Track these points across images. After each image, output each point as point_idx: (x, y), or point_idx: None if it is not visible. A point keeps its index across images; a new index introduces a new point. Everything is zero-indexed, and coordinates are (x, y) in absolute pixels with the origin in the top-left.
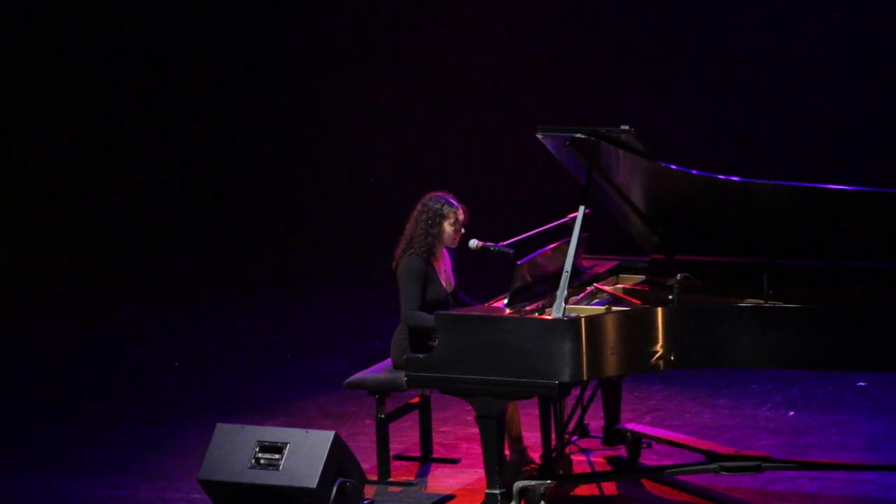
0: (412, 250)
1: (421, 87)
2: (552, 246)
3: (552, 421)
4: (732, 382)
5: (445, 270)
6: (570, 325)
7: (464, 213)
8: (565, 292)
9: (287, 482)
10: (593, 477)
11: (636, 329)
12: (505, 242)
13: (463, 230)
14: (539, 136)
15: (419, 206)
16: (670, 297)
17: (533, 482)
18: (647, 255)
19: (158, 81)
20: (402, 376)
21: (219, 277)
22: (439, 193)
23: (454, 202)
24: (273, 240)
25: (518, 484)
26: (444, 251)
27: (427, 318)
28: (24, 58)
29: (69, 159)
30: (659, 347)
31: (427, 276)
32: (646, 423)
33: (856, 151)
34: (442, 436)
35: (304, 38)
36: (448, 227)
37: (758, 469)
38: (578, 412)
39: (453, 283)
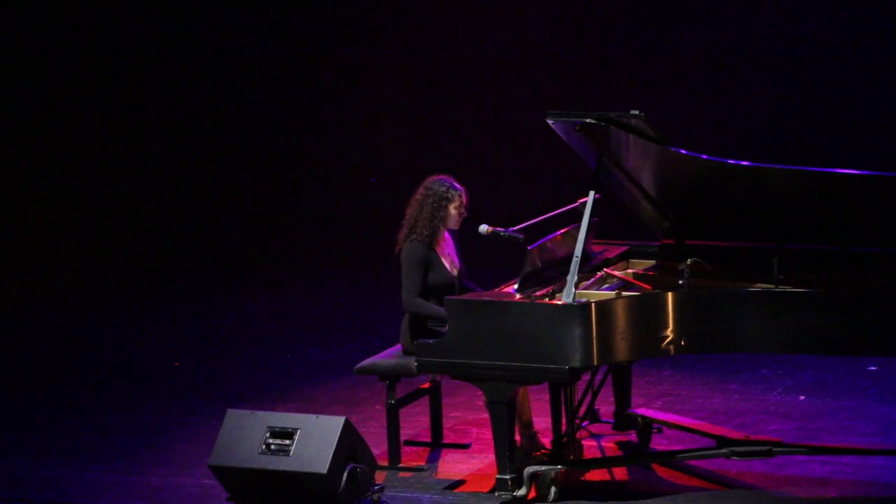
0: (415, 235)
1: (430, 68)
2: (562, 231)
3: (563, 406)
4: (743, 367)
5: (449, 254)
6: (580, 310)
7: (466, 195)
8: (575, 277)
9: (297, 468)
10: (604, 462)
11: (646, 314)
12: (515, 227)
13: (466, 213)
14: (549, 121)
15: (422, 190)
16: (680, 281)
17: (543, 467)
18: (658, 240)
19: (163, 76)
20: (412, 362)
21: (228, 265)
22: (441, 176)
23: (457, 185)
24: (282, 226)
25: (528, 469)
26: (447, 234)
27: (426, 306)
28: (26, 56)
29: (74, 150)
30: (669, 332)
31: (429, 262)
32: (656, 409)
33: (864, 136)
34: (452, 421)
35: (306, 32)
36: (453, 210)
37: (769, 454)
38: (589, 397)
39: (458, 266)
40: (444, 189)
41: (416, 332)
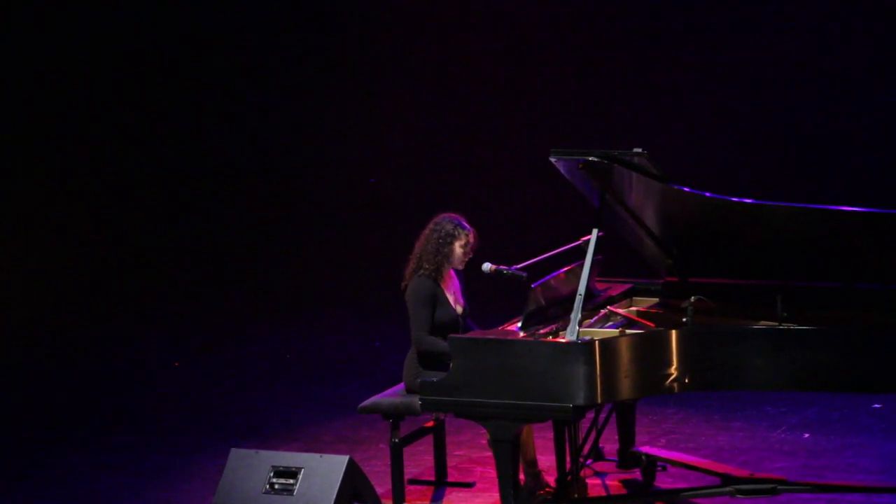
0: (421, 271)
1: (434, 111)
2: (566, 269)
3: (567, 444)
4: (747, 405)
5: (454, 292)
6: (584, 348)
7: (474, 237)
8: (579, 315)
9: None
10: (608, 500)
11: (650, 352)
12: (518, 266)
13: (472, 254)
14: (552, 159)
15: (431, 225)
16: (684, 319)
17: None
18: (661, 278)
19: (174, 95)
20: (416, 400)
21: (232, 302)
22: (452, 214)
23: (466, 225)
24: (286, 263)
25: None
26: (452, 273)
27: (438, 343)
28: (33, 65)
29: (87, 182)
30: (673, 370)
31: (436, 298)
32: (660, 446)
33: (867, 170)
34: (456, 459)
35: (315, 65)
36: (458, 248)
37: (773, 492)
38: (593, 435)
39: (463, 305)
40: (451, 227)
41: (429, 366)
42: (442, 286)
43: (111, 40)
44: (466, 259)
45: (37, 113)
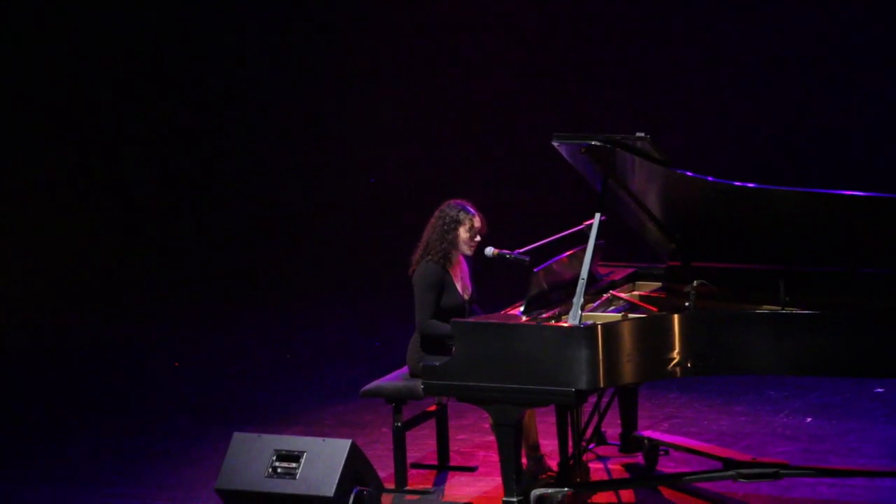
0: (429, 257)
1: (437, 95)
2: (568, 253)
3: (569, 428)
4: (749, 389)
5: (462, 277)
6: (586, 332)
7: (481, 221)
8: (581, 300)
9: (304, 491)
10: (611, 484)
11: (653, 336)
12: (521, 250)
13: (479, 238)
14: (555, 143)
15: (437, 213)
16: (687, 303)
17: (550, 490)
18: (664, 262)
19: (174, 95)
20: (418, 384)
21: (235, 288)
22: (458, 200)
23: (471, 209)
24: (288, 249)
25: (535, 492)
26: (461, 258)
27: (441, 327)
28: (33, 65)
29: (87, 182)
30: (675, 354)
31: (443, 284)
32: (663, 431)
33: (870, 156)
34: (459, 444)
35: (314, 52)
36: (463, 233)
37: (775, 476)
38: (595, 419)
39: (470, 290)
40: (455, 212)
41: (432, 350)
42: (450, 272)
43: (111, 40)
44: (474, 244)
45: (37, 112)
